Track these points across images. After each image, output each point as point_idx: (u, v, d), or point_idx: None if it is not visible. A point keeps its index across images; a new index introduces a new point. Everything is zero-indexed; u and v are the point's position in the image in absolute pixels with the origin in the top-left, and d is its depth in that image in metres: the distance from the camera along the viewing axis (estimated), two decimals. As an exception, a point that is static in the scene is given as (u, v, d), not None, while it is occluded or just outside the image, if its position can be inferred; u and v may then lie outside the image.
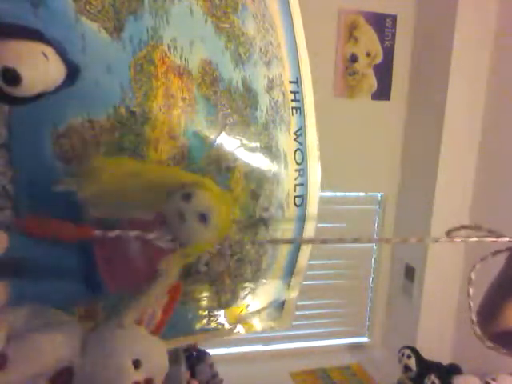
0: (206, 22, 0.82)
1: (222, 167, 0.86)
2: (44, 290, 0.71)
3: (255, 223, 0.93)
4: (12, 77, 0.56)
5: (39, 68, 0.59)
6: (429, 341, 1.89)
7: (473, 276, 0.69)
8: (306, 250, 1.06)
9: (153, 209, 0.74)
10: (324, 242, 0.77)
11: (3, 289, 0.63)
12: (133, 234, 0.70)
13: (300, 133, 1.00)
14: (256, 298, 1.02)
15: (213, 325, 0.97)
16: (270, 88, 0.93)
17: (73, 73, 0.65)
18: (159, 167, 0.81)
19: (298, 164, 1.00)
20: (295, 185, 0.99)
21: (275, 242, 0.99)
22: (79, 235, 0.70)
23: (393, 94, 1.99)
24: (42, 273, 0.73)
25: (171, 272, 0.72)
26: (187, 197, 0.70)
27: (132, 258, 0.75)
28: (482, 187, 1.84)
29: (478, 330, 0.69)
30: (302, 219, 1.02)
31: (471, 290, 0.69)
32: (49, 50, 0.61)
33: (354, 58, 1.91)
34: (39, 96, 0.61)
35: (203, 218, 0.70)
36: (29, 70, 0.57)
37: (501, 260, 0.75)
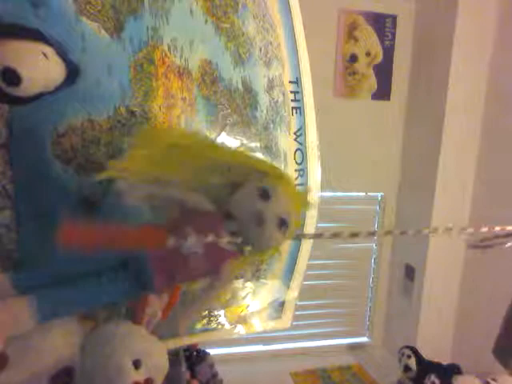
0: (206, 22, 0.82)
1: (221, 167, 0.86)
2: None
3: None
4: (12, 77, 0.56)
5: (39, 68, 0.59)
6: (429, 341, 1.88)
7: None
8: (306, 251, 1.06)
9: (217, 197, 0.64)
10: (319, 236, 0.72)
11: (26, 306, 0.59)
12: (207, 239, 0.59)
13: (300, 133, 1.00)
14: (256, 298, 1.01)
15: (213, 325, 0.97)
16: (269, 88, 0.93)
17: (73, 73, 0.65)
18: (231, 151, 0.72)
19: (297, 164, 1.00)
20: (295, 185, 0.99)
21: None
22: (151, 241, 0.60)
23: (393, 94, 1.99)
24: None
25: (230, 277, 0.66)
26: (266, 195, 0.62)
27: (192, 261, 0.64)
28: (481, 187, 1.84)
29: None
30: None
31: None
32: (49, 50, 0.61)
33: (353, 58, 1.91)
34: (39, 96, 0.61)
35: (283, 223, 0.62)
36: (29, 70, 0.57)
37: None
